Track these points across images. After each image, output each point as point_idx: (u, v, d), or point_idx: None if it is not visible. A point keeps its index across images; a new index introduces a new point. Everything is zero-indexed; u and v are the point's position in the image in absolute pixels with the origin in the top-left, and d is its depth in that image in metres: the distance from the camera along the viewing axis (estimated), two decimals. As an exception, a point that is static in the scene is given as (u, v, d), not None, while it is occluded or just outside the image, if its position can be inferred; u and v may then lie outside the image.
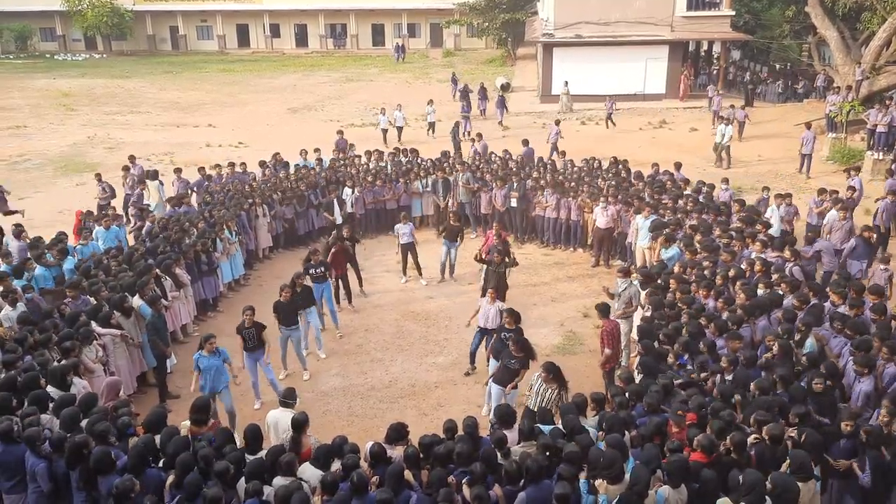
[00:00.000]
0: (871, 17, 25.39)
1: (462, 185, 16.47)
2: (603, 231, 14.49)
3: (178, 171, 17.24)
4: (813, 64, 31.39)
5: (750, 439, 6.61)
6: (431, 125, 26.00)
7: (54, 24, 54.28)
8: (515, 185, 15.86)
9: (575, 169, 17.07)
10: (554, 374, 8.23)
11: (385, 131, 24.93)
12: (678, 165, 16.75)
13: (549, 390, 8.22)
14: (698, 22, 30.00)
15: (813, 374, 7.63)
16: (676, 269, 10.82)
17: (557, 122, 23.44)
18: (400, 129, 25.14)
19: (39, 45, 54.60)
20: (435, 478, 6.26)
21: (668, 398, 7.40)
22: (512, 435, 7.05)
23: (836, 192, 14.19)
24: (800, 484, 6.00)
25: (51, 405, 7.45)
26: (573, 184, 15.78)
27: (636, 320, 10.40)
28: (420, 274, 14.32)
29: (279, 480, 6.21)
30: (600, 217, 14.39)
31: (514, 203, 15.84)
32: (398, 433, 6.93)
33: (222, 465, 6.17)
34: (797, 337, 8.53)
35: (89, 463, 6.32)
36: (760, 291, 9.77)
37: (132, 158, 17.37)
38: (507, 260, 12.05)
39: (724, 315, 9.12)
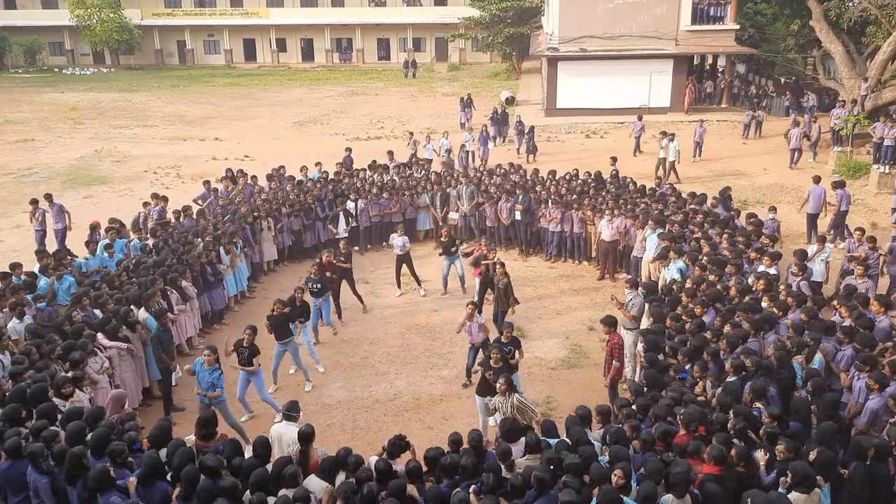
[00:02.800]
0: (876, 30, 25.40)
1: (466, 197, 16.53)
2: (608, 244, 14.47)
3: (155, 196, 16.11)
4: (818, 77, 31.40)
5: (760, 454, 6.57)
6: (469, 153, 23.25)
7: (63, 39, 54.93)
8: (520, 198, 15.88)
9: (578, 182, 17.07)
10: (510, 385, 8.26)
11: (429, 161, 21.33)
12: (613, 160, 18.31)
13: (504, 402, 8.18)
14: (703, 36, 30.06)
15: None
16: (688, 284, 10.72)
17: (640, 118, 24.27)
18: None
19: (48, 60, 55.19)
20: (432, 493, 6.25)
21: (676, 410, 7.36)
22: (517, 448, 7.04)
23: (874, 240, 12.55)
24: (803, 496, 5.96)
25: (59, 417, 7.46)
26: (576, 196, 15.80)
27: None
28: (419, 284, 14.33)
29: (285, 493, 6.20)
30: (605, 230, 14.38)
31: (518, 216, 15.85)
32: (397, 446, 6.91)
33: (230, 481, 6.17)
34: (806, 352, 8.47)
35: (88, 477, 6.28)
36: (765, 305, 9.74)
37: (48, 197, 16.00)
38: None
39: (726, 329, 9.06)
